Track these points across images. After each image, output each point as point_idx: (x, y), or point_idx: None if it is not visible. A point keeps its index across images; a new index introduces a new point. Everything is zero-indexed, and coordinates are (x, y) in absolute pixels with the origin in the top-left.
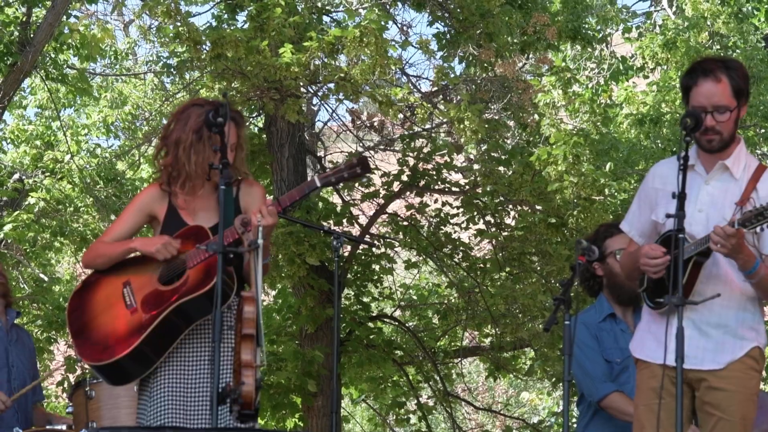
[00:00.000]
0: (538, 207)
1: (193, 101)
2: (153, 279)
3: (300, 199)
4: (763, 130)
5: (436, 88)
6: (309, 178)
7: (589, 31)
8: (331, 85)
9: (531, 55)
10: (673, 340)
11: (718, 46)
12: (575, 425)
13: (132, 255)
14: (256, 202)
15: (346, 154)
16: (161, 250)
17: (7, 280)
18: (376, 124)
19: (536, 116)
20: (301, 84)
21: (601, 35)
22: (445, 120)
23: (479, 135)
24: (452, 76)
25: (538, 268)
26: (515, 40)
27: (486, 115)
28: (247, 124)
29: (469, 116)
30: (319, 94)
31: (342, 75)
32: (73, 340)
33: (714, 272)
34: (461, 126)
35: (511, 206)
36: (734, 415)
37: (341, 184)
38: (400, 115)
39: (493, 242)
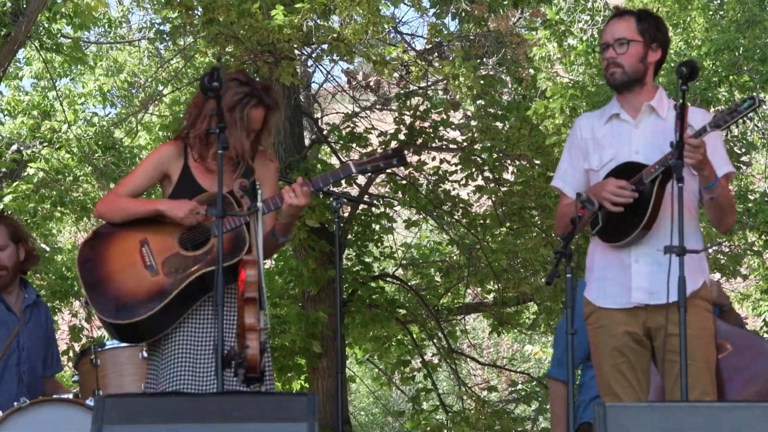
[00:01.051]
0: (537, 161)
1: (234, 75)
2: (173, 242)
3: (332, 182)
4: (758, 75)
5: (430, 46)
6: (342, 164)
7: None
8: (325, 46)
9: (524, 10)
10: (642, 277)
11: None
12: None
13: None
14: (270, 177)
15: (343, 115)
16: (189, 217)
17: (31, 247)
18: (372, 84)
19: (531, 70)
20: (295, 46)
21: None
22: (440, 78)
23: (474, 91)
24: (445, 32)
25: (539, 222)
26: None
27: (481, 70)
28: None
29: (464, 72)
30: (313, 55)
31: (335, 36)
32: (86, 291)
33: (670, 202)
34: (456, 83)
35: (509, 161)
36: (698, 359)
37: (372, 173)
38: (396, 74)
39: (493, 198)
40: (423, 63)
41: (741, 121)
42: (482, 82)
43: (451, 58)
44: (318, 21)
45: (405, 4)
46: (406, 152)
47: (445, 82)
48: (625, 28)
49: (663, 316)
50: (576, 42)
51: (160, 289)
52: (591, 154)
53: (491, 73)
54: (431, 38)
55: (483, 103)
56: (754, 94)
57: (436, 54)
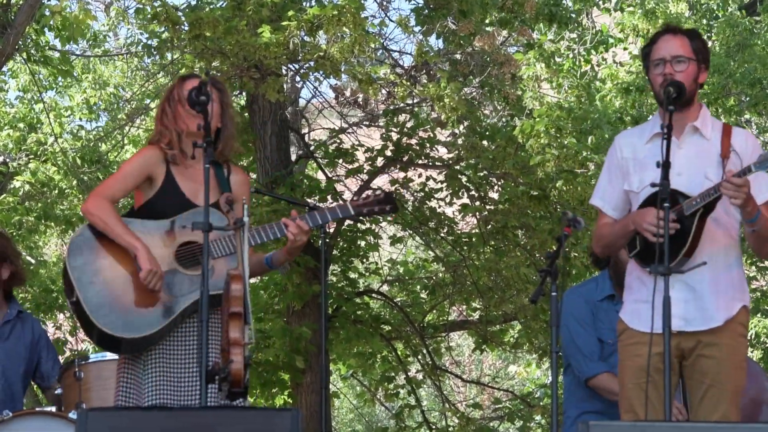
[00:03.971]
0: (521, 180)
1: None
2: (170, 256)
3: (331, 221)
4: (747, 98)
5: (416, 65)
6: (338, 203)
7: (565, 12)
8: (311, 64)
9: (510, 31)
10: (678, 304)
11: (703, 19)
12: (563, 395)
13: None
14: (245, 194)
15: (330, 130)
16: (148, 279)
17: (17, 267)
18: (359, 100)
19: (516, 89)
20: (282, 63)
21: (579, 13)
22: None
23: (459, 112)
24: (432, 54)
25: (523, 241)
26: (494, 15)
27: (467, 89)
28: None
29: (449, 94)
30: (300, 72)
31: (321, 54)
32: (81, 295)
33: (711, 228)
34: (441, 104)
35: (494, 179)
36: (724, 383)
37: (365, 216)
38: (383, 91)
39: (477, 216)
40: (408, 84)
41: None
42: (466, 102)
43: (436, 79)
44: (305, 37)
45: (391, 20)
46: (392, 168)
47: (429, 101)
48: (680, 45)
49: (696, 340)
50: (562, 59)
51: (162, 308)
52: (631, 175)
53: (477, 91)
54: (418, 60)
55: (469, 123)
56: None
57: (423, 71)
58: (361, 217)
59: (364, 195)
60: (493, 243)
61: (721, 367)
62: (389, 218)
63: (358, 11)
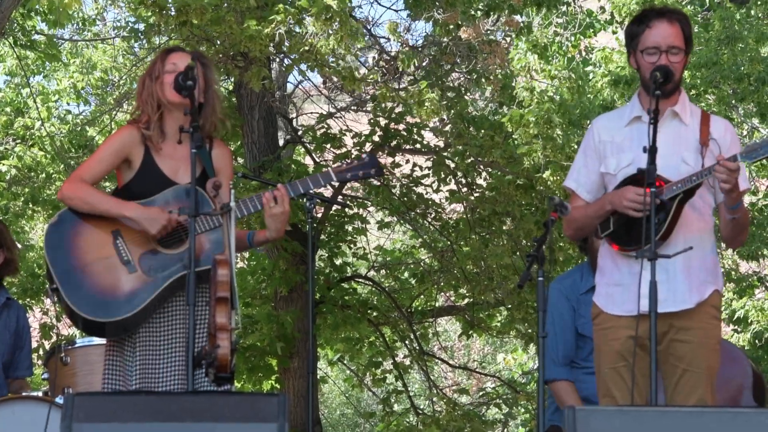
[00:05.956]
0: (508, 170)
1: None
2: (148, 236)
3: (313, 189)
4: (733, 92)
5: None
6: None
7: None
8: (296, 56)
9: (499, 17)
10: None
11: (690, 6)
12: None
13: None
14: (226, 167)
15: (317, 115)
16: (162, 231)
17: (13, 256)
18: None
19: (500, 77)
20: (267, 53)
21: None
22: (413, 85)
23: (439, 115)
24: (414, 60)
25: (509, 229)
26: (481, 4)
27: (454, 74)
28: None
29: (431, 97)
30: (285, 63)
31: (306, 48)
32: (58, 281)
33: (687, 213)
34: (422, 108)
35: (482, 167)
36: (700, 367)
37: (350, 181)
38: (369, 77)
39: (464, 203)
40: (390, 87)
41: None
42: (451, 94)
43: (417, 87)
44: (292, 25)
45: (381, 5)
46: (379, 153)
47: (417, 87)
48: (676, 34)
49: (668, 324)
50: (549, 42)
51: (140, 290)
52: (608, 158)
53: (464, 79)
54: (404, 67)
55: (456, 110)
56: None
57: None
58: (346, 182)
59: (347, 160)
60: (479, 230)
61: (695, 351)
62: (370, 203)
63: (346, 14)
